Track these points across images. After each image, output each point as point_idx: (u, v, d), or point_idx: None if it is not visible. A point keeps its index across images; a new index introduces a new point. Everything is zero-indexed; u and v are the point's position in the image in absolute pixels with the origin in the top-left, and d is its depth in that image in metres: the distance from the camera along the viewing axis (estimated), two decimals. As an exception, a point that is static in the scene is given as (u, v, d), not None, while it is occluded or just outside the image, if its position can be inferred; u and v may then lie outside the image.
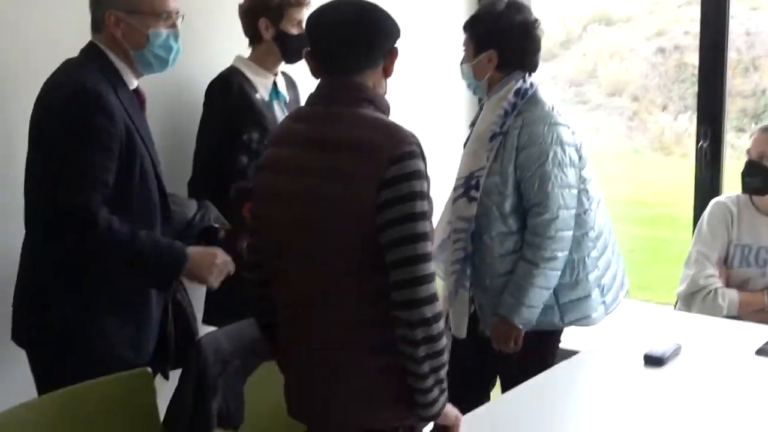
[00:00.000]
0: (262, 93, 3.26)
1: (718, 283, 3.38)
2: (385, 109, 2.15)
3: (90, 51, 2.54)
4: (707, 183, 4.08)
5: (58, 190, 2.38)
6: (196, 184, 3.26)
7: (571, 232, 2.91)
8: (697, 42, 4.18)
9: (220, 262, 2.61)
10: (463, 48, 3.05)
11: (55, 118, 2.43)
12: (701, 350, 2.86)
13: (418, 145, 2.04)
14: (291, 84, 3.43)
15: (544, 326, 3.01)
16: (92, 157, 2.38)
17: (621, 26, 10.56)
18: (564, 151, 2.87)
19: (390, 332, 2.04)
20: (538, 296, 2.89)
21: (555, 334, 3.12)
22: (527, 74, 2.97)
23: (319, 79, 2.17)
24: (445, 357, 2.07)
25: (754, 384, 2.64)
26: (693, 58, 9.67)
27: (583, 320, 3.04)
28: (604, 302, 3.08)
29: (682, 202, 8.18)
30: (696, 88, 4.22)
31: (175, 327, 2.77)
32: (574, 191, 2.92)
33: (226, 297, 3.25)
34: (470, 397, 2.69)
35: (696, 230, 3.55)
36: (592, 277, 3.01)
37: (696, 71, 4.23)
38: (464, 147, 3.15)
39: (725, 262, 3.45)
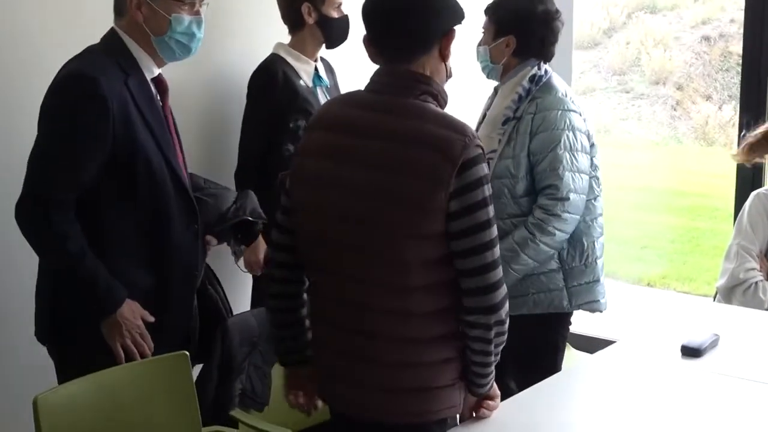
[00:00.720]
0: (306, 79, 3.26)
1: (759, 276, 3.35)
2: (444, 104, 2.13)
3: (108, 38, 2.51)
4: (749, 174, 4.03)
5: (27, 175, 2.38)
6: (242, 174, 3.27)
7: (578, 217, 2.97)
8: (742, 31, 4.13)
9: (134, 336, 2.45)
10: (482, 30, 3.10)
11: (44, 103, 2.43)
12: (739, 341, 2.84)
13: (481, 146, 2.06)
14: (329, 69, 3.44)
15: (553, 309, 3.06)
16: (68, 149, 2.34)
17: (666, 14, 10.42)
18: (575, 136, 2.95)
19: (444, 325, 2.09)
20: (525, 264, 2.95)
21: (564, 317, 3.15)
22: (542, 62, 3.03)
23: (378, 66, 2.15)
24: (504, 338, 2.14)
25: (792, 377, 2.62)
26: (738, 47, 9.51)
27: (592, 304, 3.10)
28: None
29: (723, 192, 8.10)
30: (740, 78, 4.18)
31: (205, 319, 2.74)
32: (586, 177, 2.98)
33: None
34: None
35: (736, 223, 3.51)
36: (600, 262, 3.08)
37: (740, 60, 4.18)
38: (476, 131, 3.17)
39: (766, 255, 3.41)
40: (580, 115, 3.00)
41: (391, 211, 2.02)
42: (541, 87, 2.98)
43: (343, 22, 3.24)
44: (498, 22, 3.04)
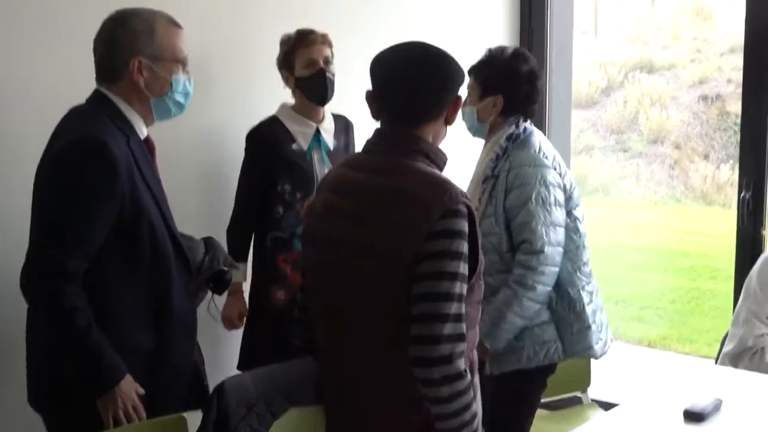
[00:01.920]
0: (301, 143, 3.25)
1: (767, 341, 3.30)
2: (441, 163, 2.15)
3: (99, 100, 2.46)
4: (749, 234, 4.01)
5: (35, 246, 2.32)
6: (234, 232, 3.29)
7: (557, 269, 2.97)
8: (739, 90, 4.13)
9: (127, 408, 2.39)
10: (467, 90, 3.10)
11: (48, 171, 2.37)
12: (742, 406, 2.78)
13: (467, 205, 2.04)
14: (343, 128, 3.41)
15: (548, 360, 3.04)
16: (82, 217, 2.30)
17: (663, 74, 10.52)
18: (548, 191, 2.96)
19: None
20: (513, 323, 2.95)
21: (548, 370, 3.11)
22: (523, 119, 3.07)
23: (378, 124, 2.17)
24: (463, 418, 2.01)
25: (798, 443, 2.57)
26: (735, 107, 9.63)
27: (587, 351, 3.08)
28: (601, 339, 3.12)
29: (723, 253, 8.08)
30: (738, 137, 4.17)
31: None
32: (561, 229, 2.99)
33: (262, 343, 3.26)
34: None
35: (745, 286, 3.46)
36: (589, 309, 3.06)
37: (738, 120, 4.18)
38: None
39: None
40: (555, 170, 3.02)
41: (375, 266, 2.04)
42: (517, 144, 3.01)
43: (317, 78, 3.20)
44: (484, 82, 3.06)
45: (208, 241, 2.77)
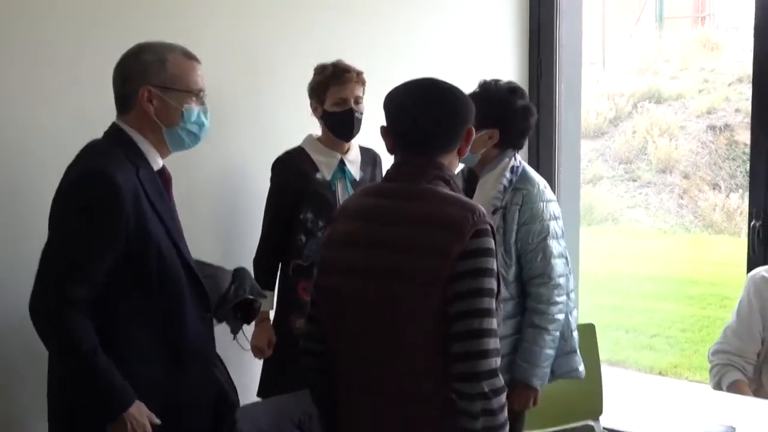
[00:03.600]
0: (324, 172, 3.27)
1: (719, 360, 3.44)
2: (457, 189, 2.19)
3: (113, 133, 2.49)
4: (760, 262, 4.01)
5: (42, 274, 2.34)
6: (260, 261, 3.31)
7: (566, 297, 3.07)
8: (747, 120, 4.17)
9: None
10: None
11: (58, 203, 2.39)
12: (756, 433, 2.79)
13: (491, 224, 2.09)
14: (371, 161, 3.44)
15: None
16: (81, 249, 2.32)
17: (671, 104, 10.57)
18: (557, 224, 3.08)
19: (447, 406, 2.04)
20: (549, 357, 3.02)
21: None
22: (516, 152, 3.16)
23: (396, 156, 2.21)
24: (508, 424, 2.06)
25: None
26: (743, 136, 9.66)
27: (573, 372, 3.14)
28: (582, 361, 3.18)
29: (733, 281, 8.06)
30: (747, 167, 4.20)
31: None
32: (564, 260, 3.09)
33: (281, 371, 3.28)
34: None
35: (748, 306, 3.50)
36: (575, 334, 3.15)
37: (747, 149, 4.21)
38: None
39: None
40: (556, 202, 3.15)
41: (404, 290, 2.05)
42: (520, 177, 3.09)
43: (345, 116, 3.23)
44: (480, 115, 3.08)
45: (237, 271, 2.79)
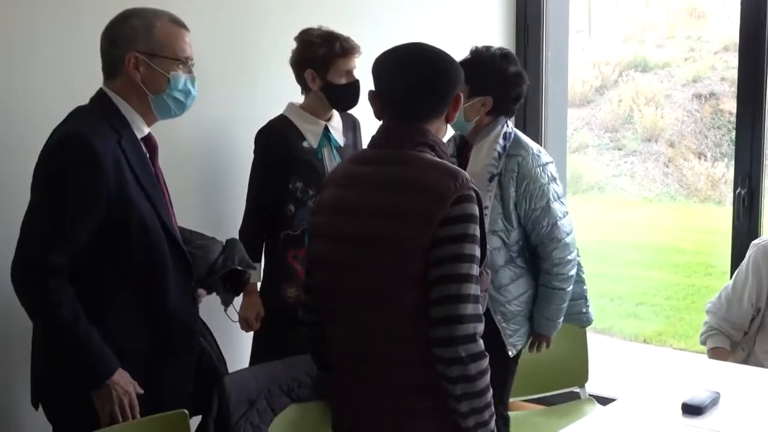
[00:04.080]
0: (310, 140, 3.26)
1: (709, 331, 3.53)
2: (444, 155, 2.19)
3: (98, 99, 2.49)
4: (745, 230, 4.04)
5: (21, 240, 2.34)
6: (247, 232, 3.29)
7: (576, 252, 3.23)
8: (733, 89, 4.17)
9: (123, 403, 2.39)
10: None
11: (37, 168, 2.39)
12: (740, 399, 2.81)
13: (476, 191, 2.09)
14: (351, 126, 3.43)
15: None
16: (61, 214, 2.31)
17: (657, 72, 10.54)
18: (557, 184, 3.18)
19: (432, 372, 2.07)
20: (564, 310, 3.24)
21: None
22: (508, 119, 3.19)
23: (383, 122, 2.22)
24: (488, 398, 2.07)
25: (794, 435, 2.59)
26: (729, 105, 9.66)
27: (581, 316, 3.36)
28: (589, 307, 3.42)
29: (718, 250, 8.11)
30: (732, 135, 4.21)
31: (198, 374, 2.70)
32: (567, 218, 3.19)
33: (273, 340, 3.28)
34: None
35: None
36: (585, 281, 3.34)
37: (732, 118, 4.21)
38: None
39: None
40: (553, 163, 3.20)
41: (390, 256, 2.07)
42: (513, 143, 3.13)
43: (351, 88, 3.24)
44: (473, 81, 3.07)
45: (228, 242, 2.78)
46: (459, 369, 2.02)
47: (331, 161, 3.26)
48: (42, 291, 2.30)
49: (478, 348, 2.04)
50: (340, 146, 3.32)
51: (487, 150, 3.12)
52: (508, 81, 3.12)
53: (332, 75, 3.21)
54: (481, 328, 2.07)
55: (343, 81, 3.22)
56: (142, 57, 2.44)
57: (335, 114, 3.35)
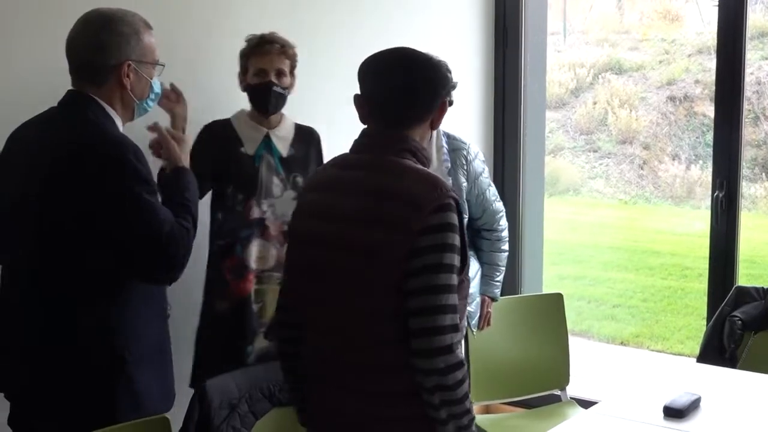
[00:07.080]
0: (248, 147, 3.14)
1: None
2: (426, 162, 2.17)
3: (81, 102, 2.41)
4: (723, 233, 4.05)
5: (146, 220, 2.32)
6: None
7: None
8: (707, 91, 4.19)
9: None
10: None
11: (114, 169, 2.31)
12: (720, 402, 2.82)
13: (455, 199, 2.07)
14: (306, 138, 3.27)
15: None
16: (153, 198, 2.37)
17: (632, 75, 10.59)
18: (485, 170, 3.59)
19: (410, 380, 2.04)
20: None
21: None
22: None
23: (366, 126, 2.19)
24: (466, 405, 2.06)
25: (776, 438, 2.60)
26: (703, 108, 9.73)
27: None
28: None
29: (693, 252, 8.16)
30: (707, 137, 4.24)
31: None
32: (498, 196, 3.68)
33: (210, 354, 3.18)
34: None
35: None
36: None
37: (706, 120, 4.23)
38: None
39: None
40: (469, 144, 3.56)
41: (368, 264, 2.05)
42: (449, 138, 3.47)
43: (262, 90, 3.10)
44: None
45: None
46: (437, 379, 2.01)
47: (269, 170, 3.14)
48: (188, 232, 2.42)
49: (456, 359, 2.02)
50: (282, 156, 3.18)
51: (437, 147, 3.29)
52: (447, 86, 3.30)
53: (249, 75, 3.12)
54: (458, 337, 2.04)
55: (255, 81, 3.11)
56: (133, 65, 2.42)
57: (285, 123, 3.22)
